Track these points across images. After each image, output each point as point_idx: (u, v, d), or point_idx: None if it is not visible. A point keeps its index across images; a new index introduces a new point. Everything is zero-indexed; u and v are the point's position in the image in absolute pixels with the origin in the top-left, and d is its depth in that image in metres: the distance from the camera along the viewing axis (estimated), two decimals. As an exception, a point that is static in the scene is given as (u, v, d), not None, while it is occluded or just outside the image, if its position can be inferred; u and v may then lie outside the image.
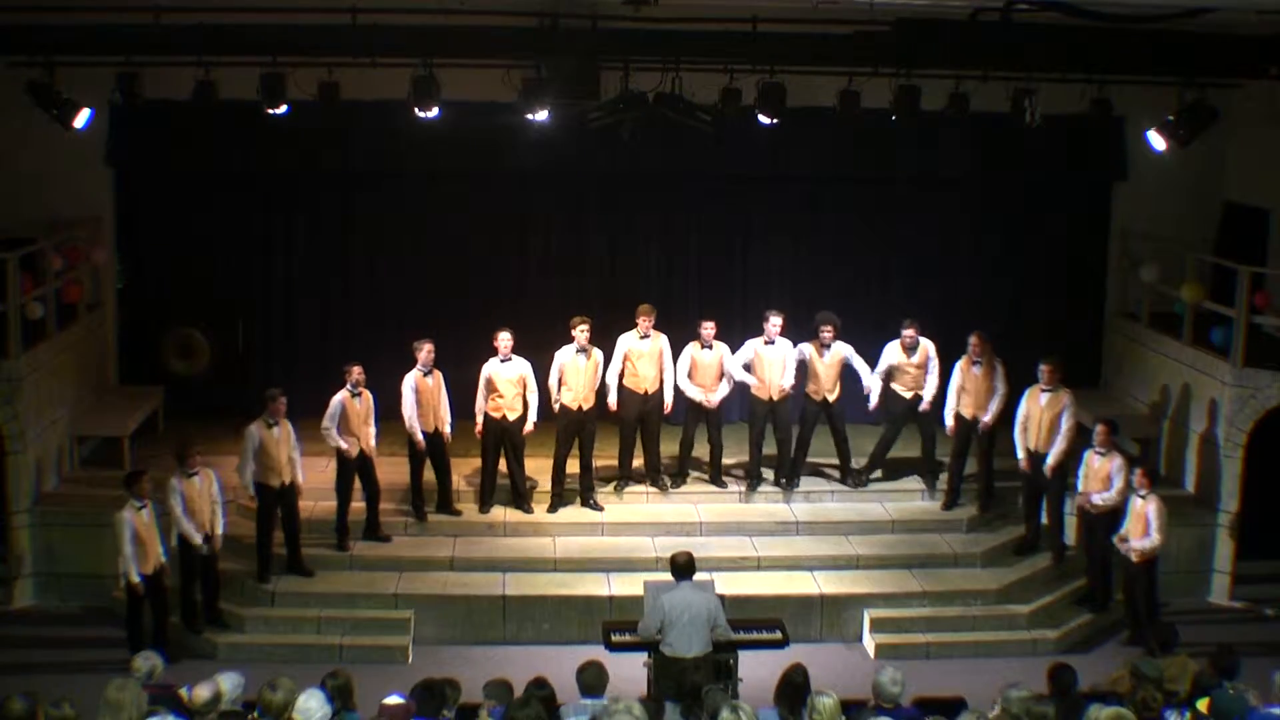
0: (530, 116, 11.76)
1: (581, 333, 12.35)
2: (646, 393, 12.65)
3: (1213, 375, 12.88)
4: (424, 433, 12.18)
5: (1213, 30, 11.22)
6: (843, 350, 12.88)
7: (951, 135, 12.89)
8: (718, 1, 11.03)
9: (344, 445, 11.78)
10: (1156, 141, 12.28)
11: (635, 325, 12.62)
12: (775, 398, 12.76)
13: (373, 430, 12.03)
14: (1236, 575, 12.69)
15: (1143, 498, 11.27)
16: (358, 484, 12.06)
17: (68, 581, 12.13)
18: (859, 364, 12.89)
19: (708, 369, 12.69)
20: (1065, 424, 11.99)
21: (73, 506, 12.28)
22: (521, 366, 12.36)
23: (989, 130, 12.63)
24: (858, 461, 13.34)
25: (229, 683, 7.58)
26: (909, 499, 13.14)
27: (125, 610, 10.95)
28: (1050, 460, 12.01)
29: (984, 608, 11.84)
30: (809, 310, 13.48)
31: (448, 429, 12.36)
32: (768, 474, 13.21)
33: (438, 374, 12.25)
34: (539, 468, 12.83)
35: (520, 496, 12.64)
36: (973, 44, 11.24)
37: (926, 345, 12.93)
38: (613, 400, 12.62)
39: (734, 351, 12.78)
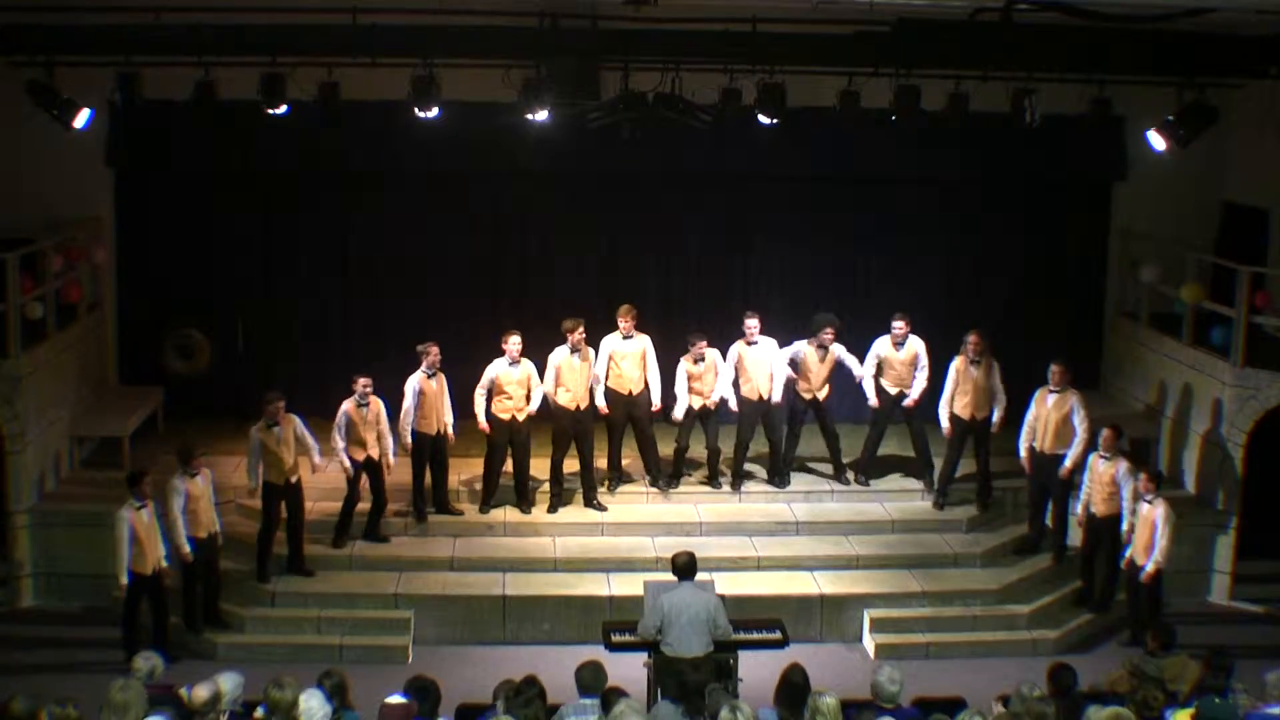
0: (530, 116, 11.76)
1: (578, 334, 12.35)
2: (631, 393, 12.65)
3: (1213, 375, 12.88)
4: (426, 435, 12.19)
5: (1213, 30, 11.23)
6: (836, 351, 12.91)
7: (951, 135, 12.87)
8: (718, 1, 11.03)
9: (348, 465, 11.83)
10: (1156, 141, 12.28)
11: (617, 327, 12.65)
12: (765, 396, 12.77)
13: (389, 439, 12.03)
14: (1236, 575, 12.69)
15: (1149, 503, 11.25)
16: (363, 489, 12.09)
17: (68, 581, 12.12)
18: (850, 361, 12.95)
19: (704, 378, 12.70)
20: (1079, 425, 11.99)
21: (73, 506, 12.27)
22: (528, 367, 12.40)
23: (989, 130, 12.61)
24: (847, 460, 13.36)
25: (229, 683, 7.58)
26: (909, 499, 13.14)
27: (122, 610, 10.95)
28: (1068, 463, 12.00)
29: (984, 608, 11.84)
30: (808, 310, 13.49)
31: (450, 430, 12.38)
32: (759, 473, 13.23)
33: (441, 376, 12.27)
34: (538, 468, 12.81)
35: (523, 496, 12.65)
36: (973, 44, 11.24)
37: (916, 343, 12.93)
38: (601, 403, 12.64)
39: (724, 357, 12.80)
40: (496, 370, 12.31)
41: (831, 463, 13.32)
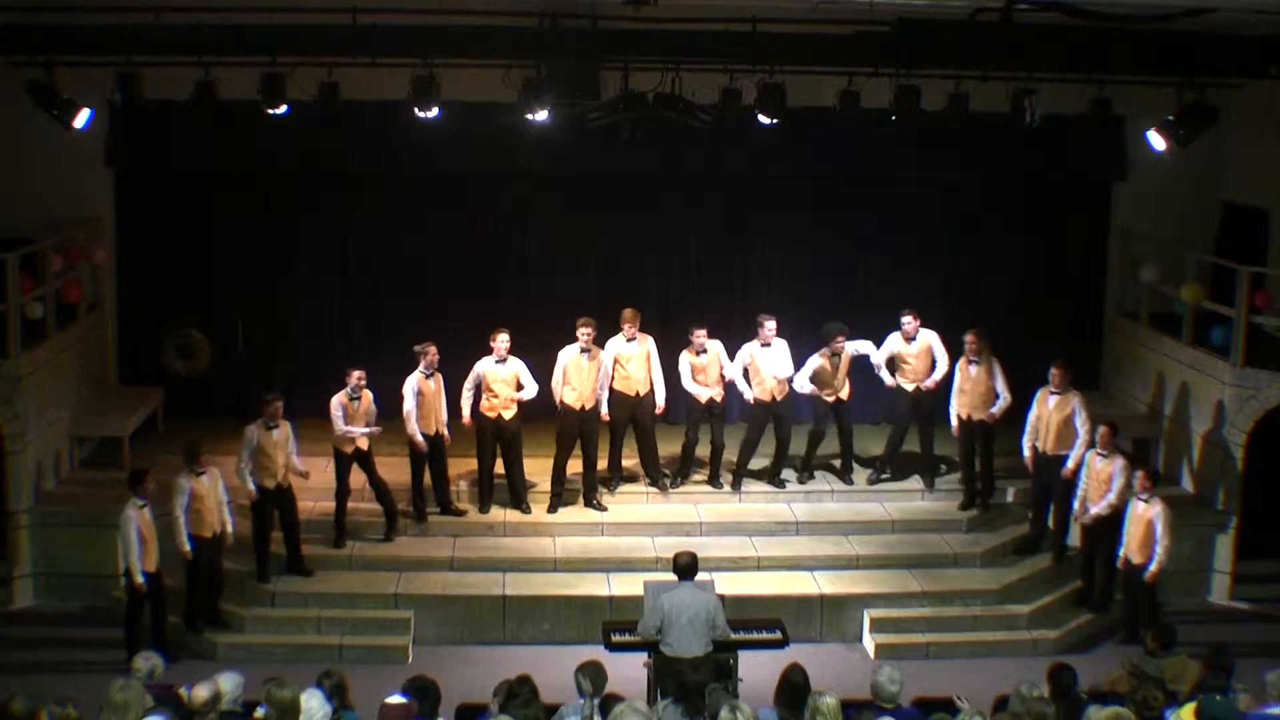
0: (530, 116, 11.75)
1: (586, 333, 12.36)
2: (637, 394, 12.65)
3: (1213, 375, 12.88)
4: (425, 435, 12.19)
5: (1213, 30, 11.23)
6: (849, 350, 12.91)
7: (951, 135, 12.87)
8: (718, 1, 11.03)
9: (372, 430, 11.89)
10: (1156, 141, 12.28)
11: (621, 330, 12.65)
12: (778, 397, 12.77)
13: (378, 431, 12.08)
14: (1236, 575, 12.69)
15: (1145, 501, 11.25)
16: (356, 484, 12.07)
17: (68, 581, 12.11)
18: (864, 346, 12.96)
19: (707, 370, 12.71)
20: (1081, 426, 11.99)
21: (73, 506, 12.27)
22: (516, 365, 12.39)
23: (989, 130, 12.61)
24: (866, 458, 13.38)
25: (229, 683, 7.59)
26: (909, 499, 13.14)
27: (125, 610, 10.95)
28: (1070, 464, 11.98)
29: (984, 608, 11.84)
30: (809, 310, 13.51)
31: (447, 430, 12.38)
32: (763, 473, 13.24)
33: (438, 376, 12.28)
34: (539, 468, 12.83)
35: (518, 496, 12.65)
36: (973, 44, 11.24)
37: (929, 335, 12.93)
38: (603, 409, 12.64)
39: (731, 355, 12.79)
40: (484, 368, 12.31)
41: (840, 460, 13.33)
